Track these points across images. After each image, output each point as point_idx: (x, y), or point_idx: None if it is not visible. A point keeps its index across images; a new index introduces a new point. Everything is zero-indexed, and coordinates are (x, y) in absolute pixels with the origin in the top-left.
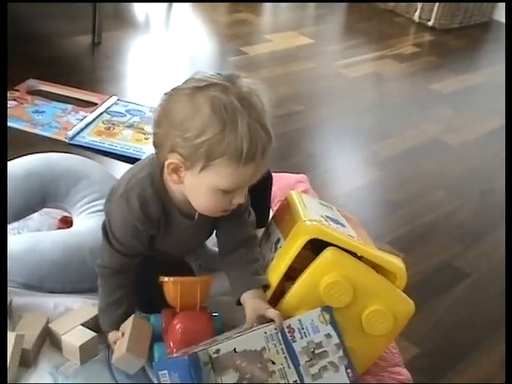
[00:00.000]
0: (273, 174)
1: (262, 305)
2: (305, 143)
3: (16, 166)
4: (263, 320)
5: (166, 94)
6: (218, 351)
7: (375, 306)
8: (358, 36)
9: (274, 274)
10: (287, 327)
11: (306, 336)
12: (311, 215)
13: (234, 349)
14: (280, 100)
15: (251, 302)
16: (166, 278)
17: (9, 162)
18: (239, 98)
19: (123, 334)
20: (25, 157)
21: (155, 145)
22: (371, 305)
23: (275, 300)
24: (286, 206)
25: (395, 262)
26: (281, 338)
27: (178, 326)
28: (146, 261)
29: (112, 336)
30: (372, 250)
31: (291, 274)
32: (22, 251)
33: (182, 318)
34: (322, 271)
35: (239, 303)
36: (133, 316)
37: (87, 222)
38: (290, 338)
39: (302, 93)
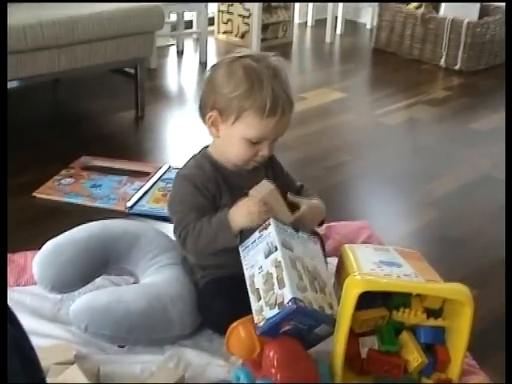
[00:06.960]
0: (335, 224)
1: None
2: (358, 191)
3: (77, 232)
4: None
5: (212, 65)
6: None
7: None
8: (389, 86)
9: (339, 338)
10: None
11: None
12: (362, 266)
13: None
14: (327, 152)
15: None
16: (235, 324)
17: (70, 230)
18: (267, 67)
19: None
20: (84, 224)
21: (200, 106)
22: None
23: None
24: (340, 261)
25: (457, 289)
26: None
27: (271, 354)
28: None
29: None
30: (428, 284)
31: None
32: (107, 304)
33: (271, 346)
34: None
35: None
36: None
37: (158, 276)
38: None
39: (346, 144)
